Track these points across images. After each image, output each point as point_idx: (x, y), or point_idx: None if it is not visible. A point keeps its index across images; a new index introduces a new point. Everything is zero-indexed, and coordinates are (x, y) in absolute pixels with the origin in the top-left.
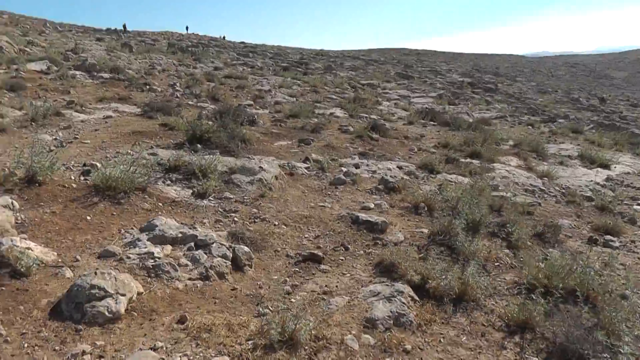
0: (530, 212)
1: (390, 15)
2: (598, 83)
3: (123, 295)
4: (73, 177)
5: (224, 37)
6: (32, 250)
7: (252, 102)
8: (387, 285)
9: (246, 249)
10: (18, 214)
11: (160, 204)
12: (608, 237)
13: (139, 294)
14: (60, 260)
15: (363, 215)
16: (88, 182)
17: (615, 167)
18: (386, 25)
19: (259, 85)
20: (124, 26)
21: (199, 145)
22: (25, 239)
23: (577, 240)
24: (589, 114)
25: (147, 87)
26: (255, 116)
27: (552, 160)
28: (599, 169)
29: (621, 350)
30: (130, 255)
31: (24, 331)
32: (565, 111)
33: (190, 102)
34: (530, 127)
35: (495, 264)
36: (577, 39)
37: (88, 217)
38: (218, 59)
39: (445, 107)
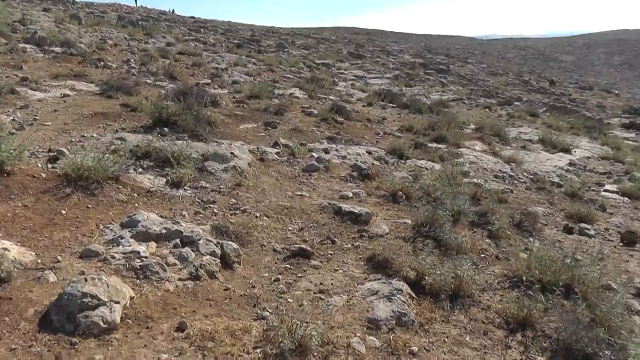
0: (504, 200)
1: None
2: (547, 66)
3: (117, 302)
4: (40, 165)
5: (173, 11)
6: (9, 251)
7: (209, 81)
8: (384, 283)
9: (235, 245)
10: None
11: (136, 195)
12: (583, 225)
13: (130, 298)
14: (39, 261)
15: (345, 206)
16: (57, 170)
17: (575, 152)
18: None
19: (214, 63)
20: None
21: (166, 129)
22: None
23: (553, 229)
24: (540, 96)
25: (102, 63)
26: (218, 97)
27: (515, 144)
28: (561, 153)
29: (631, 352)
30: (115, 255)
31: (13, 346)
32: (517, 93)
33: (147, 81)
34: (487, 109)
35: (481, 255)
36: (526, 23)
37: (63, 211)
38: (170, 34)
39: (402, 89)
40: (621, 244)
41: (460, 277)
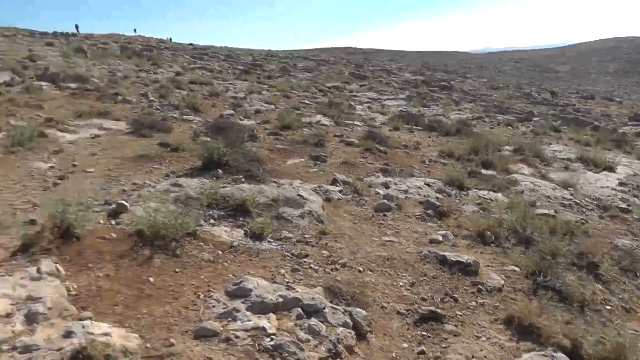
0: (586, 233)
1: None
2: (544, 77)
3: None
4: (102, 222)
5: (171, 39)
6: (110, 337)
7: (232, 112)
8: (544, 355)
9: (364, 312)
10: (68, 283)
11: (220, 252)
12: None
13: None
14: (149, 345)
15: (450, 255)
16: (124, 228)
17: (618, 170)
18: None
19: (230, 92)
20: (77, 27)
21: (219, 171)
22: (91, 318)
23: None
24: (544, 108)
25: (120, 97)
26: (254, 130)
27: (556, 165)
28: (605, 172)
29: None
30: (238, 333)
31: None
32: (523, 106)
33: (174, 115)
34: (509, 127)
35: (607, 307)
36: (518, 35)
37: (151, 279)
38: (175, 63)
39: (420, 109)
40: None
41: (621, 343)
